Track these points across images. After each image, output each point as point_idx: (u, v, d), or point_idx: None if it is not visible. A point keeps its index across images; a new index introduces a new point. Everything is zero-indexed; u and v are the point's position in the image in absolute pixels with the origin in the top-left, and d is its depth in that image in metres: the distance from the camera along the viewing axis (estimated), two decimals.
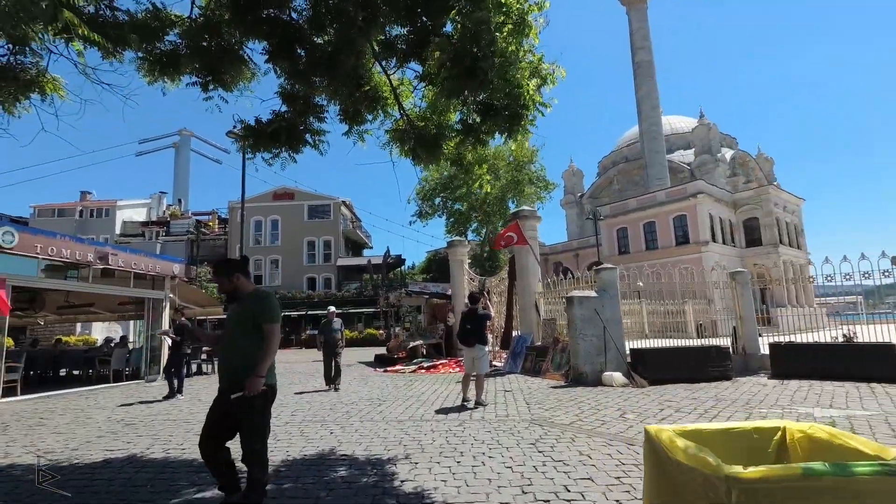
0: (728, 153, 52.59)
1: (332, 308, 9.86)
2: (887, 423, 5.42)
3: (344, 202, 42.19)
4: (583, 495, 3.47)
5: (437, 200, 40.20)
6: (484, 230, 41.69)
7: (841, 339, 9.51)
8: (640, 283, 13.93)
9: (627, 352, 9.72)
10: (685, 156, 54.13)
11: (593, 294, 9.78)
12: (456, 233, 39.97)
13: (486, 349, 7.50)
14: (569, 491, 3.56)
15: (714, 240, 32.42)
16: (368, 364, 16.28)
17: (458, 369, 12.89)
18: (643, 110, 45.75)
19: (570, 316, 9.71)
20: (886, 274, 9.58)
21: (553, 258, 46.32)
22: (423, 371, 13.02)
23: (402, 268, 44.39)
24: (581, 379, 9.32)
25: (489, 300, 14.50)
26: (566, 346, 10.38)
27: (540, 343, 11.86)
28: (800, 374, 9.27)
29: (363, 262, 39.41)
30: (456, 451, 4.74)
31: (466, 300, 8.74)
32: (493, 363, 13.58)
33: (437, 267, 39.43)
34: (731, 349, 10.04)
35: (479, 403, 7.28)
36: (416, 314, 18.50)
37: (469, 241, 18.59)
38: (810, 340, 9.88)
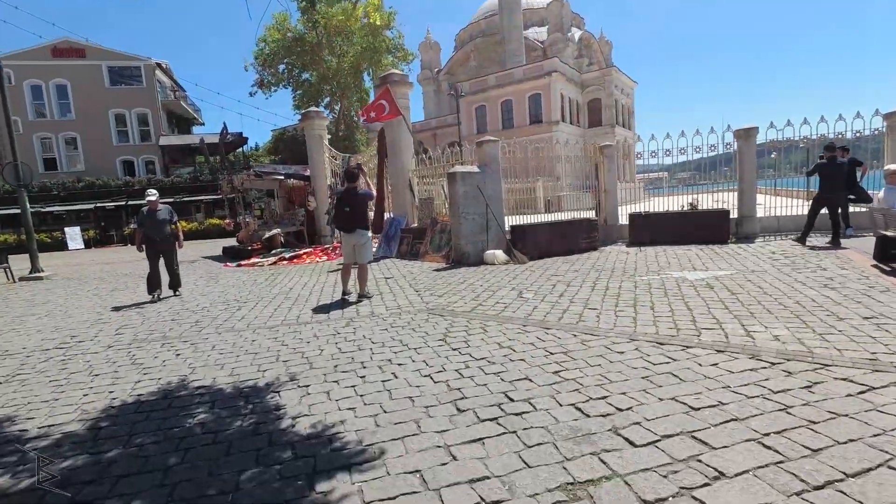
0: (577, 33, 53.97)
1: (154, 192, 7.57)
2: (749, 281, 5.88)
3: (159, 65, 34.04)
4: (531, 403, 2.85)
5: (282, 68, 34.70)
6: (338, 106, 37.86)
7: (687, 208, 10.49)
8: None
9: (507, 229, 9.50)
10: (539, 33, 54.14)
11: (475, 169, 9.06)
12: (305, 108, 35.70)
13: (369, 234, 6.42)
14: (512, 401, 2.91)
15: (564, 120, 34.04)
16: (216, 259, 14.10)
17: (325, 258, 11.71)
18: None
19: (451, 193, 8.96)
20: (712, 148, 10.64)
21: (370, 150, 44.81)
22: (285, 262, 11.55)
23: (245, 148, 38.97)
24: (464, 259, 8.92)
25: None
26: (446, 227, 9.78)
27: (416, 225, 11.12)
28: (653, 240, 10.09)
29: (194, 140, 33.31)
30: (355, 363, 3.81)
31: (341, 179, 7.27)
32: None
33: (287, 147, 35.41)
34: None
35: (362, 296, 6.36)
36: (270, 200, 16.23)
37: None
38: (661, 210, 10.75)
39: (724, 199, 10.91)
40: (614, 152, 11.11)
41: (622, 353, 3.64)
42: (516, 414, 2.73)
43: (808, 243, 8.50)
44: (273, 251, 12.97)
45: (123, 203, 28.16)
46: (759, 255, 7.80)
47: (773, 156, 11.50)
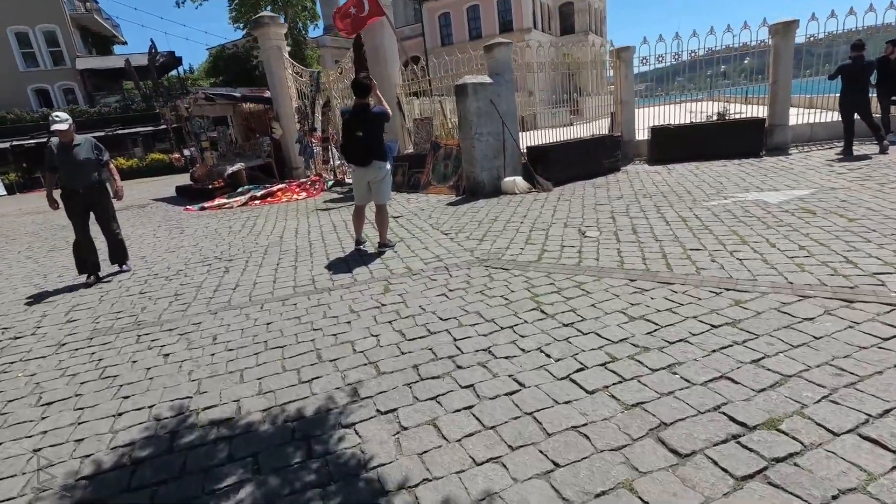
0: None
1: (62, 115, 4.82)
2: (848, 202, 4.97)
3: None
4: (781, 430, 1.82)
5: None
6: (283, 17, 33.32)
7: (715, 118, 9.41)
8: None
9: (524, 150, 8.19)
10: None
11: (488, 80, 7.50)
12: (244, 21, 31.23)
13: (388, 167, 5.00)
14: (749, 428, 1.86)
15: (535, 27, 31.42)
16: (170, 201, 12.18)
17: (304, 194, 10.13)
18: None
19: (462, 110, 7.45)
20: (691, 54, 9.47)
21: (343, 63, 40.83)
22: (257, 203, 9.90)
23: (178, 70, 34.33)
24: (479, 189, 7.64)
25: (329, 105, 11.17)
26: (451, 151, 8.35)
27: (411, 151, 9.59)
28: (675, 157, 9.06)
29: (119, 62, 28.86)
30: (437, 359, 2.64)
31: (348, 93, 5.51)
32: (346, 179, 11.09)
33: (229, 67, 31.39)
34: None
35: (384, 245, 5.06)
36: (223, 128, 13.98)
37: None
38: (684, 122, 9.63)
39: (729, 108, 9.91)
40: (631, 55, 9.67)
41: (812, 319, 2.64)
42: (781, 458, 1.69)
43: (854, 153, 7.67)
44: (239, 189, 11.20)
45: (46, 140, 24.51)
46: (816, 168, 6.90)
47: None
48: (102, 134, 25.66)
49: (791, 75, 9.09)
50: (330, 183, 10.79)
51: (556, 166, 7.94)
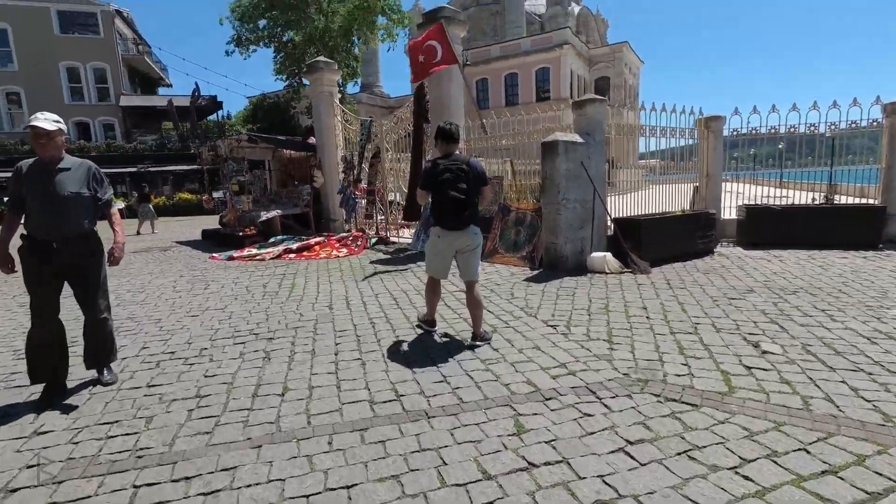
0: (576, 8, 51.28)
1: (48, 115, 2.93)
2: None
3: (119, 13, 29.68)
4: None
5: (263, 24, 30.67)
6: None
7: (821, 201, 8.28)
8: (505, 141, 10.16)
9: (610, 223, 7.04)
10: (535, 6, 51.23)
11: (579, 139, 6.50)
12: (287, 73, 31.92)
13: (481, 237, 3.87)
14: None
15: (573, 97, 31.57)
16: (195, 245, 11.18)
17: (346, 251, 9.02)
18: None
19: (548, 172, 6.39)
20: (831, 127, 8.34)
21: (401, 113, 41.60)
22: (291, 256, 8.80)
23: (218, 115, 34.97)
24: (559, 263, 6.43)
25: (379, 157, 10.30)
26: (525, 217, 7.24)
27: None
28: (772, 242, 7.85)
29: (161, 102, 29.37)
30: None
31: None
32: (390, 237, 10.01)
33: (268, 115, 31.79)
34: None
35: (479, 339, 3.79)
36: (261, 172, 13.23)
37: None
38: (783, 203, 8.49)
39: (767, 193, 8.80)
40: (721, 126, 8.72)
41: None
42: None
43: None
44: (272, 238, 10.16)
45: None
46: None
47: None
48: (134, 169, 25.53)
49: None
50: (373, 240, 9.71)
51: (647, 243, 6.75)
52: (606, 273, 6.26)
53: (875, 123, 8.12)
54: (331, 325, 4.45)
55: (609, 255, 6.43)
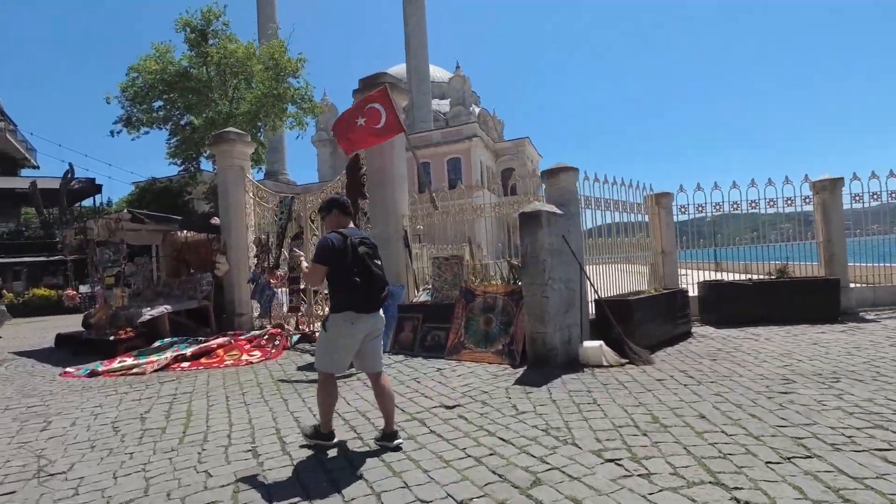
0: (476, 109, 55.70)
1: None
2: None
3: None
4: None
5: (158, 105, 28.37)
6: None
7: (773, 275, 8.14)
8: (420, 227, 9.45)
9: (592, 308, 6.08)
10: (440, 105, 54.82)
11: (558, 210, 5.61)
12: (182, 157, 29.40)
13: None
14: None
15: (482, 186, 32.70)
16: (42, 356, 8.38)
17: (259, 354, 7.06)
18: (412, 45, 43.13)
19: (530, 247, 5.33)
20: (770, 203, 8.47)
21: (330, 187, 40.26)
22: (185, 365, 6.63)
23: (98, 199, 30.70)
24: (549, 358, 5.19)
25: (301, 238, 8.74)
26: (496, 302, 6.02)
27: (425, 299, 7.13)
28: (738, 319, 7.41)
29: (23, 185, 25.13)
30: None
31: (329, 207, 3.09)
32: (316, 333, 8.18)
33: (157, 200, 28.55)
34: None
35: (391, 438, 2.73)
36: (147, 260, 10.80)
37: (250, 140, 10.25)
38: (737, 278, 8.28)
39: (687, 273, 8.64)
40: (671, 203, 8.55)
41: None
42: None
43: None
44: (157, 342, 7.82)
45: None
46: None
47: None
48: None
49: (844, 233, 8.27)
50: (295, 338, 7.82)
51: (639, 327, 5.82)
52: (605, 366, 5.14)
53: (807, 199, 8.39)
54: (264, 492, 2.67)
55: (603, 343, 5.35)
